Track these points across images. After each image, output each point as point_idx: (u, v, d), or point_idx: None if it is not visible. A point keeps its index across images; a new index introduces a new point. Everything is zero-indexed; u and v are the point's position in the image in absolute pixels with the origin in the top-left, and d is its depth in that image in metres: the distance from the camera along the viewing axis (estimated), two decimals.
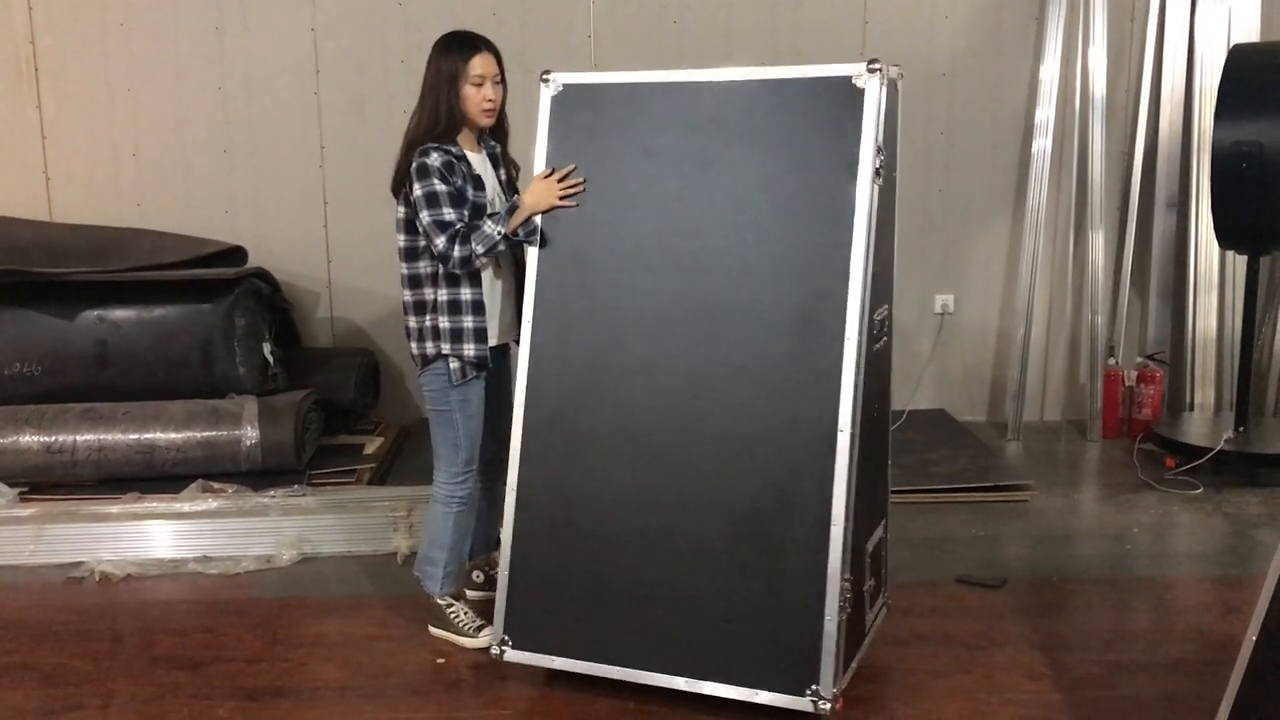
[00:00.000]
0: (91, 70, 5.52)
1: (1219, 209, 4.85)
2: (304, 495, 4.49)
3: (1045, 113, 5.57)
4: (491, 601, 3.33)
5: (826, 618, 2.87)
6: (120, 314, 4.98)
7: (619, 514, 3.11)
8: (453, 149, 3.27)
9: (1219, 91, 4.81)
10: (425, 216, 3.20)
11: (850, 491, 2.89)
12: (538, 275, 3.23)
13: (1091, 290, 5.65)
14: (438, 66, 3.29)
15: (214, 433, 4.72)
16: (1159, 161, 5.61)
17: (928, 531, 4.29)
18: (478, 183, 3.31)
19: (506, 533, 3.23)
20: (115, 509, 4.35)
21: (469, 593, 3.67)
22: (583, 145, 3.22)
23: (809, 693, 2.88)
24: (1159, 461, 5.11)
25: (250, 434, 4.72)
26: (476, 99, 3.28)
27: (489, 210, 3.30)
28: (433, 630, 3.53)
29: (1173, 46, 5.53)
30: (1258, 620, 2.30)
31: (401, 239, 3.34)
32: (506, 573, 3.21)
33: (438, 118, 3.26)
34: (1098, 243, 5.62)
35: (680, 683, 3.02)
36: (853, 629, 3.00)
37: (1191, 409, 5.63)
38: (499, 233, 3.17)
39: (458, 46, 3.29)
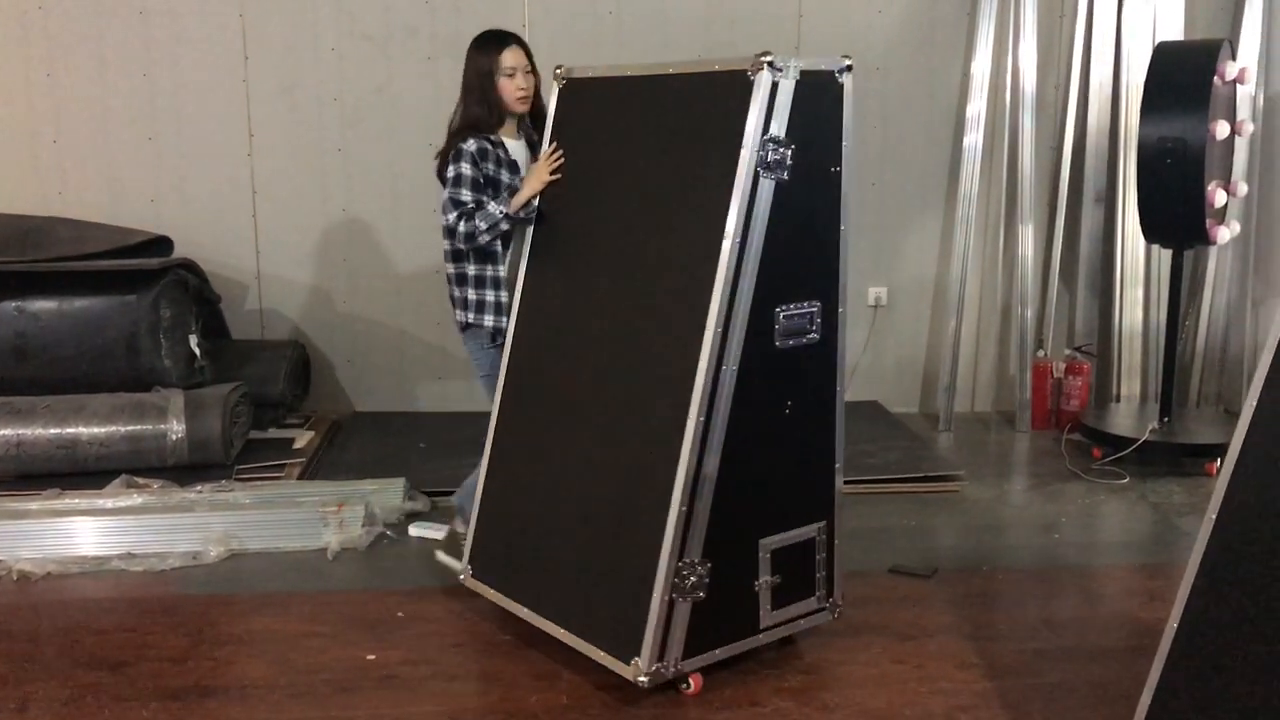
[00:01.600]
0: (8, 54, 5.35)
1: (1145, 204, 4.94)
2: (232, 490, 4.40)
3: (977, 107, 5.63)
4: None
5: (654, 595, 2.95)
6: (40, 305, 4.85)
7: (549, 471, 3.40)
8: (491, 137, 3.58)
9: (1144, 88, 4.90)
10: (445, 193, 3.55)
11: (690, 478, 2.93)
12: (529, 255, 3.57)
13: (1021, 283, 5.73)
14: (474, 64, 3.62)
15: (139, 427, 4.61)
16: (1087, 156, 5.70)
17: (861, 522, 4.32)
18: (513, 167, 3.61)
19: (482, 475, 3.61)
20: (35, 505, 4.23)
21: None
22: (573, 134, 3.50)
23: (632, 663, 2.98)
24: (1086, 452, 5.20)
25: (176, 428, 4.62)
26: (510, 89, 3.59)
27: None
28: (441, 558, 3.81)
29: (1100, 43, 5.62)
30: (1179, 608, 2.34)
31: (443, 219, 3.62)
32: (478, 509, 3.60)
33: (478, 111, 3.59)
34: (1027, 236, 5.70)
35: (561, 633, 3.22)
36: (709, 615, 3.03)
37: (1118, 400, 5.73)
38: (501, 212, 3.49)
39: (488, 43, 3.62)
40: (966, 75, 5.67)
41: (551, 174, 3.46)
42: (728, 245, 2.91)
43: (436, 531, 4.20)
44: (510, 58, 3.58)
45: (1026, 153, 5.63)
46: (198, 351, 5.00)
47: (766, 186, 2.93)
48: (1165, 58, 4.92)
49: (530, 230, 3.55)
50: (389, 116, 5.53)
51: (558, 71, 3.56)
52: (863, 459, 4.92)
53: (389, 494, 4.42)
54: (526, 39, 5.37)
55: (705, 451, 2.95)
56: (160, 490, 4.39)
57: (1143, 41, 5.55)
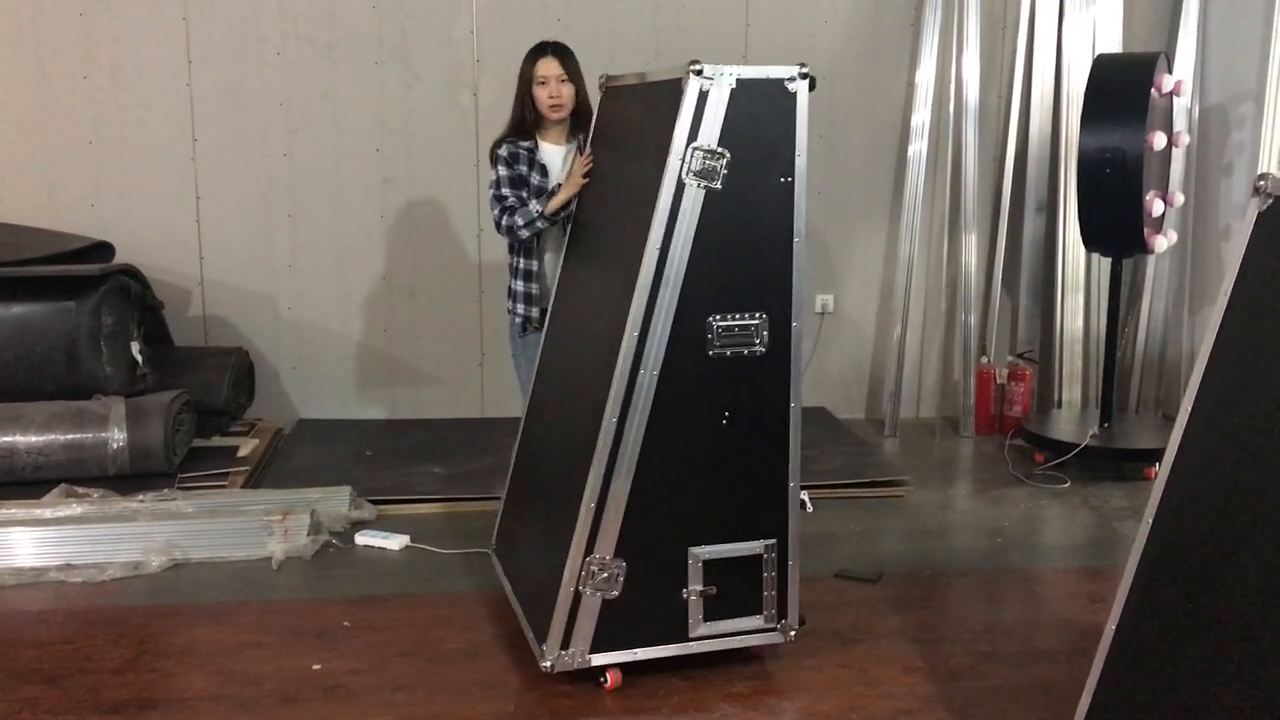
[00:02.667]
0: None
1: (1084, 213, 5.03)
2: (174, 499, 4.33)
3: (921, 117, 5.70)
4: None
5: (560, 585, 3.04)
6: None
7: (541, 458, 3.63)
8: (524, 142, 3.85)
9: (1084, 99, 4.98)
10: (489, 193, 3.86)
11: (603, 477, 2.99)
12: (565, 251, 3.78)
13: (965, 290, 5.80)
14: (521, 73, 3.87)
15: (79, 435, 4.53)
16: (1029, 166, 5.79)
17: (807, 527, 4.32)
18: (543, 170, 3.85)
19: (512, 458, 3.87)
20: None
21: None
22: (603, 138, 3.69)
23: (542, 647, 3.09)
24: (1029, 457, 5.27)
25: (117, 436, 4.55)
26: (542, 97, 3.81)
27: None
28: None
29: (1042, 54, 5.71)
30: (1117, 611, 2.38)
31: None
32: (505, 491, 3.89)
33: (519, 117, 3.86)
34: (971, 244, 5.77)
35: (519, 612, 3.39)
36: (626, 614, 3.08)
37: (1059, 406, 5.82)
38: (537, 210, 3.75)
39: (529, 54, 3.86)
40: (911, 85, 5.74)
41: (585, 177, 3.65)
42: (648, 251, 2.93)
43: (384, 540, 4.18)
44: (542, 67, 3.81)
45: (970, 162, 5.71)
46: (139, 359, 4.93)
47: (694, 195, 2.93)
48: (1104, 70, 5.01)
49: (569, 229, 3.78)
50: (336, 122, 5.49)
51: (601, 80, 3.77)
52: (809, 464, 4.92)
53: (335, 502, 4.38)
54: (474, 47, 5.39)
55: (619, 452, 2.99)
56: (100, 499, 4.32)
57: (1082, 53, 5.65)
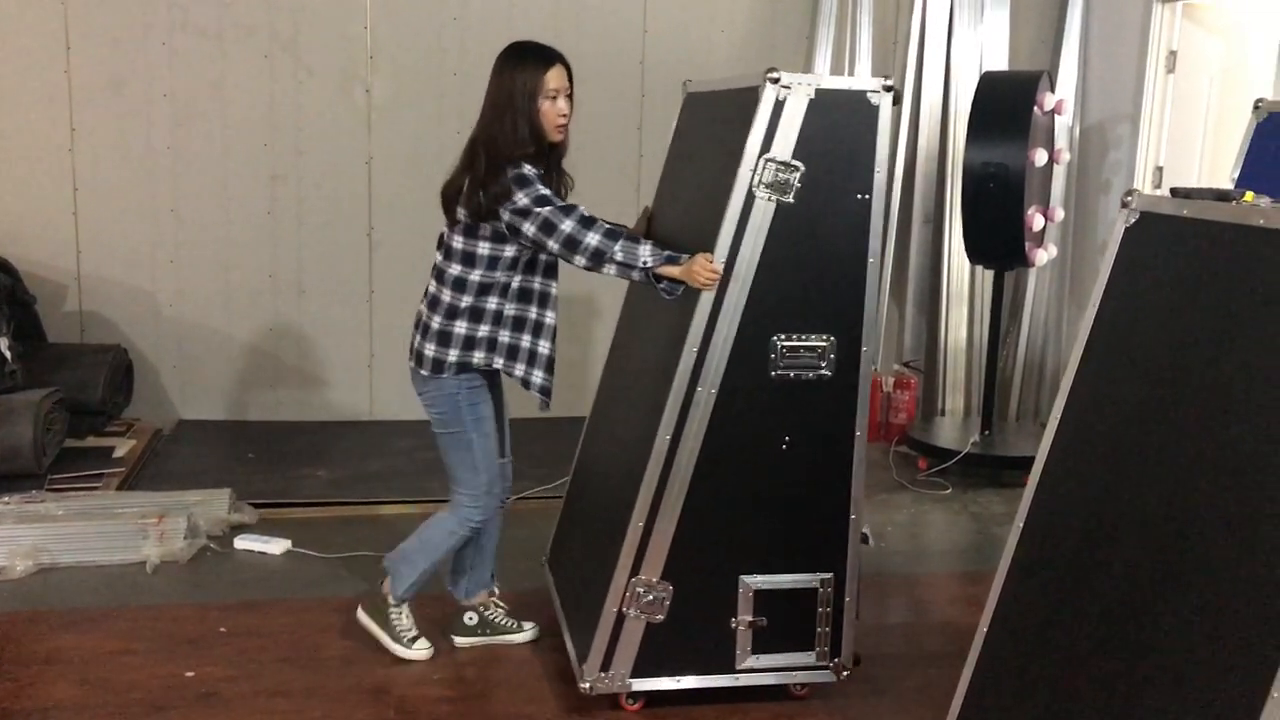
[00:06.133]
0: None
1: (969, 226, 5.15)
2: (43, 501, 4.17)
3: None
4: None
5: (604, 605, 2.95)
6: None
7: (596, 471, 3.53)
8: (539, 170, 3.06)
9: (970, 115, 5.10)
10: (543, 211, 2.94)
11: (653, 497, 2.89)
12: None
13: None
14: (514, 79, 3.05)
15: None
16: (917, 179, 5.91)
17: None
18: None
19: (572, 468, 3.75)
20: None
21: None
22: (680, 146, 3.55)
23: (582, 669, 3.00)
24: (913, 463, 5.38)
25: None
26: (552, 114, 3.05)
27: None
28: (361, 617, 3.39)
29: (931, 70, 5.84)
30: (989, 613, 2.44)
31: (485, 246, 3.05)
32: (563, 500, 3.80)
33: (521, 134, 3.01)
34: None
35: (565, 630, 3.26)
36: (670, 639, 2.98)
37: (943, 414, 5.95)
38: (645, 263, 2.91)
39: (533, 58, 3.08)
40: None
41: (705, 284, 2.84)
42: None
43: (265, 544, 4.08)
44: (556, 78, 3.05)
45: None
46: (8, 355, 4.73)
47: (764, 208, 2.81)
48: (990, 86, 5.14)
49: None
50: (223, 115, 5.35)
51: (685, 85, 3.57)
52: None
53: (214, 505, 4.26)
54: (368, 43, 5.24)
55: (671, 472, 2.88)
56: None
57: (970, 70, 5.79)
